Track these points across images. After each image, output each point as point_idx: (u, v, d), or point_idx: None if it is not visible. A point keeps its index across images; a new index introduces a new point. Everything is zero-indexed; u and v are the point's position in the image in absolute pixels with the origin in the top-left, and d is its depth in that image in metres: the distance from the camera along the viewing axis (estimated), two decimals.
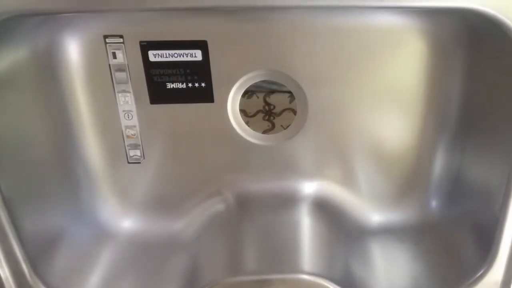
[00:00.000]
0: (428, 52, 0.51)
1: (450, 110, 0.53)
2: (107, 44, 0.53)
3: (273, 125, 0.60)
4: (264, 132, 0.58)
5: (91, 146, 0.57)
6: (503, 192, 0.44)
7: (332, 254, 0.52)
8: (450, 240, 0.53)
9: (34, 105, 0.51)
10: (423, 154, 0.56)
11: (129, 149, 0.58)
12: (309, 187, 0.59)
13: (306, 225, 0.56)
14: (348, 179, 0.58)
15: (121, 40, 0.52)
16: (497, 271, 0.47)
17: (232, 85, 0.54)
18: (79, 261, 0.53)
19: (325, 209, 0.57)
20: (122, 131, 0.57)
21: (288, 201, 0.58)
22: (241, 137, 0.57)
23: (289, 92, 0.56)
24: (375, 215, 0.58)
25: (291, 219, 0.57)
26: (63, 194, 0.54)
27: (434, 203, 0.57)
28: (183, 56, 0.53)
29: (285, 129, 0.58)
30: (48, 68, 0.51)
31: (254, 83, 0.55)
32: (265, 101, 0.58)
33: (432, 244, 0.53)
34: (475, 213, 0.51)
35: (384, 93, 0.54)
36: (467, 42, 0.48)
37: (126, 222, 0.59)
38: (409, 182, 0.57)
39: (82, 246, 0.55)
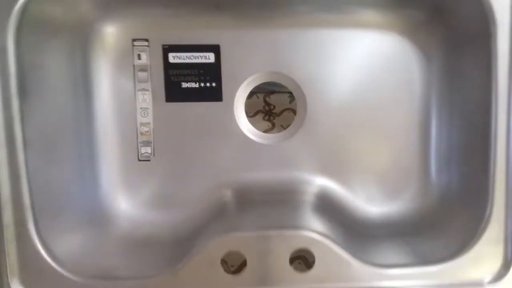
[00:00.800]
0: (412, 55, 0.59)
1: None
2: (134, 47, 0.62)
3: (273, 125, 0.65)
4: (265, 131, 0.63)
5: (107, 141, 0.62)
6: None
7: (332, 229, 0.52)
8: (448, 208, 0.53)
9: (65, 87, 0.57)
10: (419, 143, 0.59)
11: (141, 146, 0.63)
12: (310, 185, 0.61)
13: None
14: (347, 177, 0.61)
15: (147, 43, 0.62)
16: (496, 228, 0.47)
17: (239, 85, 0.61)
18: (78, 229, 0.53)
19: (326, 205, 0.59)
20: (137, 128, 0.62)
21: (290, 200, 0.60)
22: (245, 135, 0.62)
23: (289, 92, 0.63)
24: (373, 207, 0.59)
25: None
26: (74, 167, 0.56)
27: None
28: (198, 58, 0.62)
29: (285, 129, 0.63)
30: (82, 60, 0.59)
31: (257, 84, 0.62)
32: (265, 101, 0.64)
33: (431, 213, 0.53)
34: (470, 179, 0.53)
35: (378, 92, 0.60)
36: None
37: (125, 208, 0.60)
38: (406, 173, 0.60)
39: (82, 220, 0.55)
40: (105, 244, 0.57)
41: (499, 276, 0.48)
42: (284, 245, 0.47)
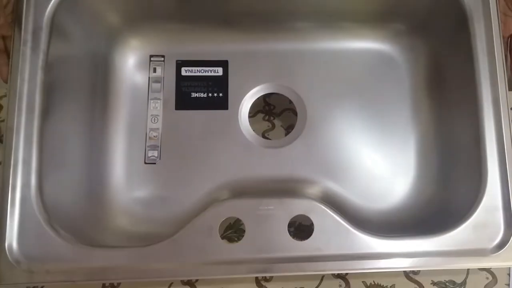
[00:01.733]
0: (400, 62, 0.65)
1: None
2: (151, 61, 0.69)
3: (273, 125, 0.68)
4: (265, 131, 0.66)
5: (117, 143, 0.65)
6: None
7: None
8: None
9: (84, 88, 0.63)
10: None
11: (148, 150, 0.66)
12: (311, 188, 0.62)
13: None
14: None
15: (162, 59, 0.69)
16: (493, 196, 0.47)
17: (244, 95, 0.67)
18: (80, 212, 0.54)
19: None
20: (146, 133, 0.66)
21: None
22: (248, 140, 0.65)
23: None
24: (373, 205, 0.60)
25: None
26: (83, 153, 0.59)
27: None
28: (208, 72, 0.68)
29: (285, 129, 0.66)
30: (103, 70, 0.66)
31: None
32: (265, 101, 0.68)
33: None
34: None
35: (373, 99, 0.65)
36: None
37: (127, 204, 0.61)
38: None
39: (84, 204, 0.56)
40: (104, 232, 0.57)
41: (502, 244, 0.47)
42: (282, 212, 0.48)
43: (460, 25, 0.53)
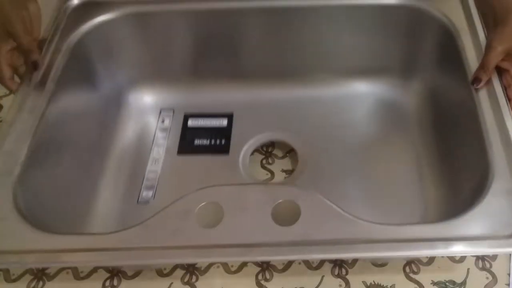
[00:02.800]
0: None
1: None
2: (161, 114, 0.73)
3: (272, 172, 0.65)
4: (265, 178, 0.64)
5: (112, 179, 0.65)
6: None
7: None
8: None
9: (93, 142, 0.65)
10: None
11: (143, 190, 0.65)
12: None
13: None
14: None
15: (172, 112, 0.73)
16: (502, 179, 0.42)
17: (246, 142, 0.67)
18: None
19: None
20: (144, 174, 0.66)
21: None
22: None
23: None
24: None
25: None
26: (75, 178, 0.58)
27: None
28: (213, 123, 0.70)
29: (285, 174, 0.64)
30: (114, 114, 0.70)
31: None
32: (266, 146, 0.66)
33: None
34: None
35: (373, 145, 0.64)
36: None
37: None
38: None
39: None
40: None
41: None
42: (266, 197, 0.43)
43: (448, 43, 0.55)
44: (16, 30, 0.52)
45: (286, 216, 0.41)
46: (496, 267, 0.50)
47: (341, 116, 0.66)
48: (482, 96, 0.49)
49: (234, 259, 0.48)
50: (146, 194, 0.63)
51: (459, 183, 0.51)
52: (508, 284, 0.49)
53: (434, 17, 0.57)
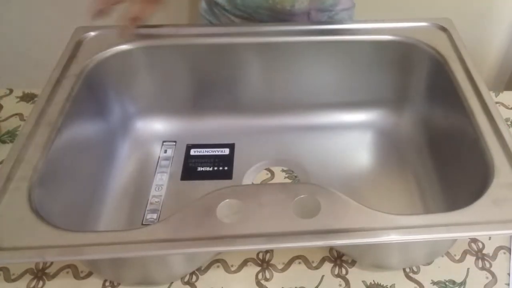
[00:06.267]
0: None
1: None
2: (163, 145, 0.75)
3: (272, 174, 0.65)
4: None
5: (115, 203, 0.65)
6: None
7: None
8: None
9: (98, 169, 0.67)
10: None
11: (148, 213, 0.65)
12: None
13: None
14: None
15: (174, 143, 0.75)
16: (504, 174, 0.46)
17: (248, 169, 0.70)
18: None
19: None
20: (148, 199, 0.67)
21: None
22: None
23: None
24: None
25: None
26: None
27: None
28: (215, 152, 0.73)
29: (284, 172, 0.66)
30: (119, 142, 0.71)
31: None
32: (269, 170, 0.68)
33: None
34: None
35: (370, 173, 0.67)
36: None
37: None
38: None
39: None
40: None
41: None
42: (286, 194, 0.45)
43: (439, 69, 0.61)
44: None
45: (307, 210, 0.43)
46: (496, 267, 0.52)
47: (339, 145, 0.70)
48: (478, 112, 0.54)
49: (260, 247, 0.48)
50: (151, 216, 0.63)
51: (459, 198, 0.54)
52: (508, 284, 0.50)
53: (424, 50, 0.63)
